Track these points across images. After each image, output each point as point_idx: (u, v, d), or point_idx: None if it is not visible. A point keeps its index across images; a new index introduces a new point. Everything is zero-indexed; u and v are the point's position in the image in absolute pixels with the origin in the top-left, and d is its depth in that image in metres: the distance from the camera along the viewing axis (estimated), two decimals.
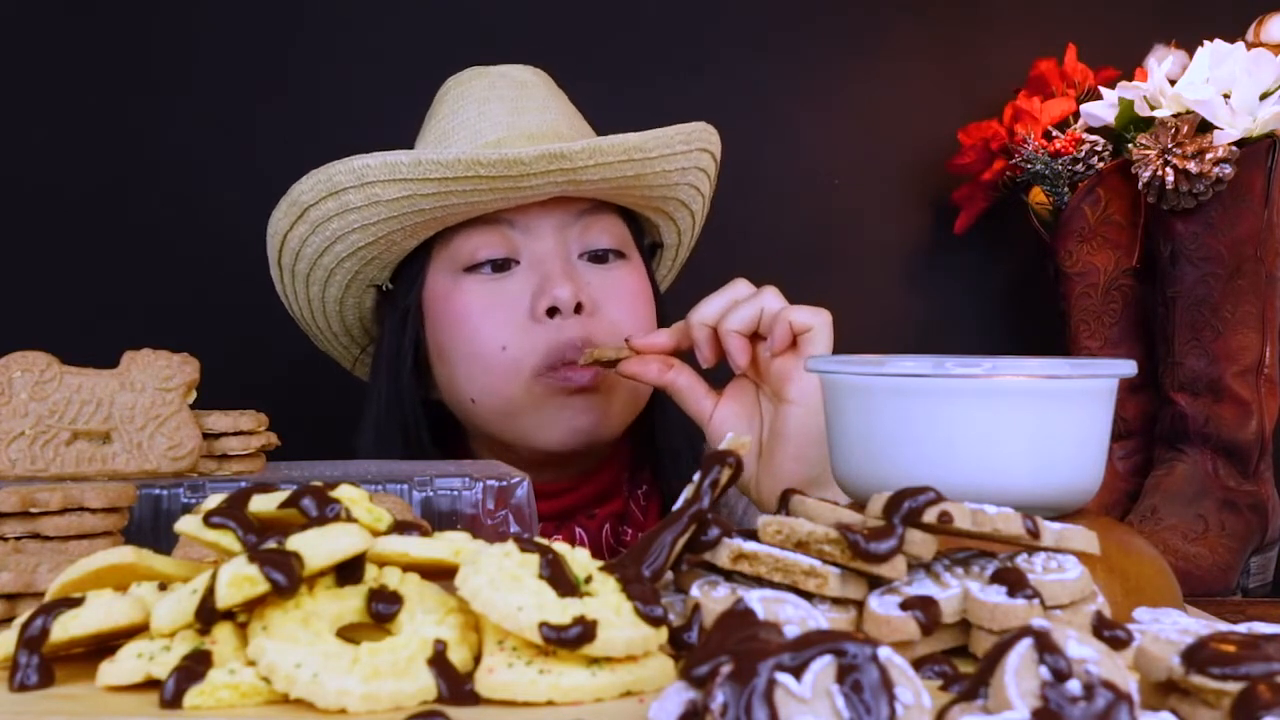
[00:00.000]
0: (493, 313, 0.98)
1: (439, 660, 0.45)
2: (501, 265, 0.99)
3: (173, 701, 0.43)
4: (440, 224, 0.99)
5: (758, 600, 0.48)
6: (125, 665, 0.45)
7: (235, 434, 0.72)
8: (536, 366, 0.97)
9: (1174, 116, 1.20)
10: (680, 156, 1.00)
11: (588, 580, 0.48)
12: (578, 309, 0.97)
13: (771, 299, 0.87)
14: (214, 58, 1.41)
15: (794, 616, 0.48)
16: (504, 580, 0.45)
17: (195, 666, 0.44)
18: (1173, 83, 1.22)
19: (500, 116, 1.01)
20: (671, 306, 1.13)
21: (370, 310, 1.08)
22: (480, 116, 1.01)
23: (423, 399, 1.05)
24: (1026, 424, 0.62)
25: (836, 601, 0.50)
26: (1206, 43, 1.21)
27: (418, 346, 1.04)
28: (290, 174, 1.09)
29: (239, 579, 0.44)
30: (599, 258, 1.01)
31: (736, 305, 0.87)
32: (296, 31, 1.43)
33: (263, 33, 1.42)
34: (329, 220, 0.97)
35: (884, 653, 0.38)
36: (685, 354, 0.91)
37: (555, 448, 0.99)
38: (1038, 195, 1.33)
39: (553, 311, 0.96)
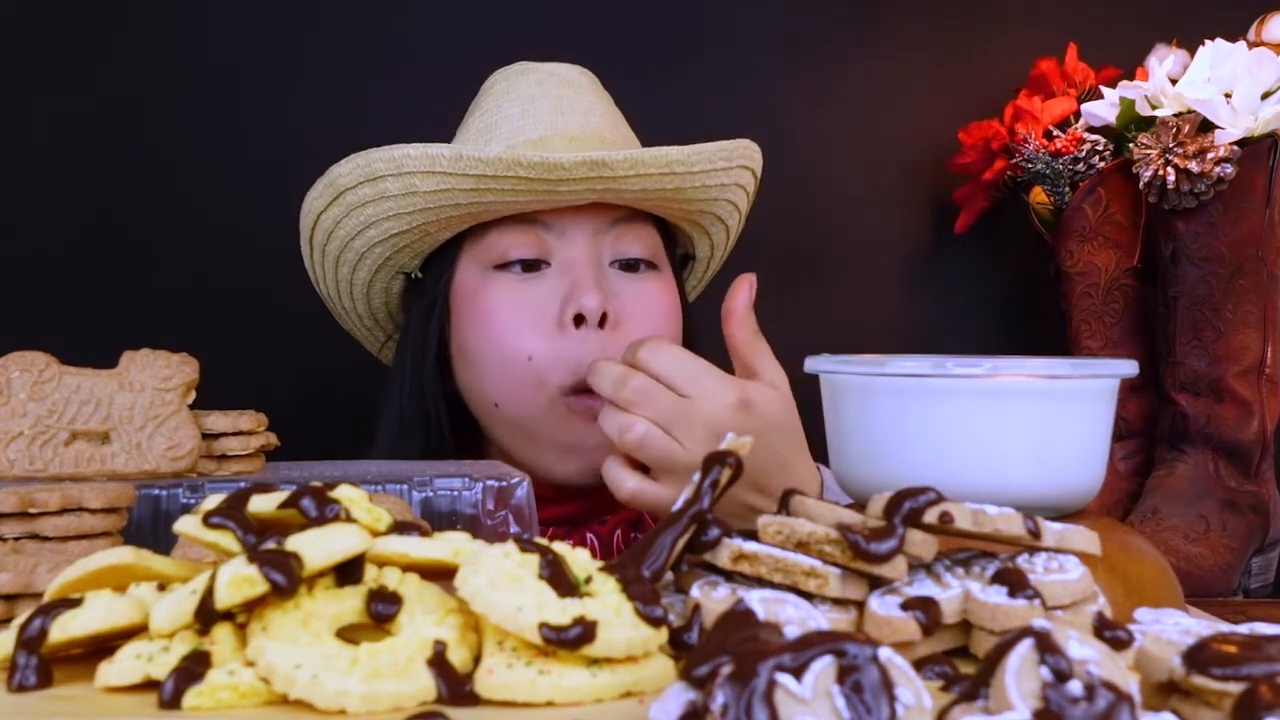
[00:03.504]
0: (520, 317, 0.98)
1: (439, 661, 0.45)
2: (531, 265, 0.99)
3: (171, 702, 0.43)
4: (475, 218, 0.99)
5: (758, 600, 0.48)
6: (124, 666, 0.45)
7: (234, 434, 0.72)
8: (562, 384, 0.96)
9: (1175, 116, 1.20)
10: (721, 173, 1.00)
11: (587, 581, 0.47)
12: (603, 321, 0.96)
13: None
14: (214, 58, 1.41)
15: (794, 617, 0.48)
16: (504, 581, 0.45)
17: (194, 667, 0.44)
18: (1174, 82, 1.22)
19: (544, 115, 1.01)
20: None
21: (397, 296, 1.09)
22: (524, 114, 1.01)
23: (444, 390, 1.05)
24: (1027, 424, 0.62)
25: (837, 602, 0.50)
26: (1208, 42, 1.21)
27: (442, 338, 1.04)
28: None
29: (238, 579, 0.44)
30: (630, 266, 1.01)
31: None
32: (300, 31, 1.43)
33: (265, 30, 1.42)
34: (364, 205, 0.97)
35: (884, 653, 0.38)
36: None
37: (566, 480, 0.99)
38: (1038, 195, 1.33)
39: (579, 320, 0.96)
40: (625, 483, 0.86)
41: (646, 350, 0.85)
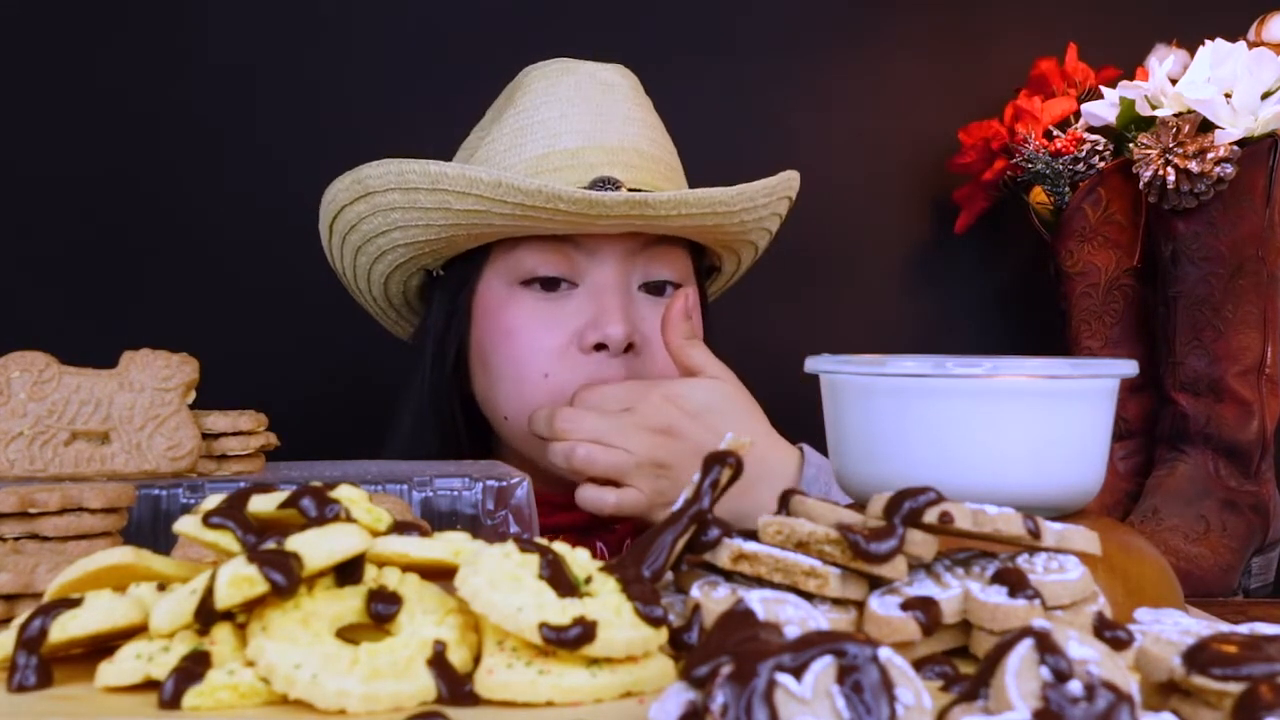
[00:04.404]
0: (541, 336, 0.98)
1: (438, 661, 0.45)
2: (558, 283, 0.99)
3: (171, 702, 0.43)
4: (506, 234, 0.98)
5: (758, 601, 0.48)
6: (124, 666, 0.45)
7: (234, 434, 0.72)
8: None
9: (1175, 116, 1.20)
10: (761, 207, 1.00)
11: (588, 581, 0.47)
12: (627, 348, 0.96)
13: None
14: (215, 59, 1.41)
15: (794, 617, 0.48)
16: (504, 580, 0.45)
17: (194, 667, 0.44)
18: (1174, 82, 1.22)
19: (581, 124, 1.00)
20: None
21: (415, 288, 1.08)
22: (561, 118, 1.00)
23: (462, 392, 1.05)
24: (1027, 424, 0.62)
25: (837, 602, 0.50)
26: (1208, 42, 1.21)
27: (461, 343, 1.03)
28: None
29: (238, 579, 0.44)
30: (656, 288, 1.01)
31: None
32: (303, 30, 1.43)
33: (266, 29, 1.42)
34: (394, 210, 0.96)
35: (884, 653, 0.38)
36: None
37: (566, 499, 0.98)
38: (1038, 195, 1.33)
39: (600, 347, 0.96)
40: (605, 498, 0.91)
41: (579, 392, 0.94)
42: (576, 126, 1.00)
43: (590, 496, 0.91)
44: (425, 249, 1.00)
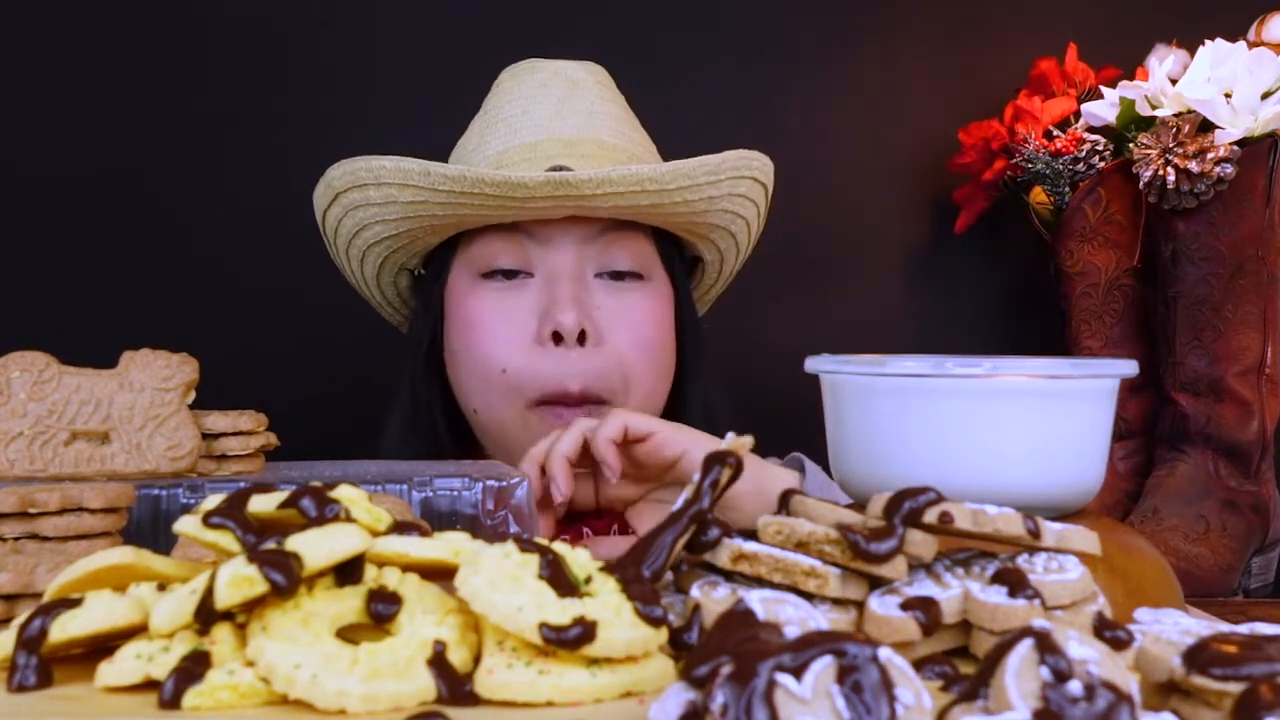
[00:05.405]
0: (499, 329, 0.98)
1: (438, 661, 0.45)
2: (514, 274, 0.99)
3: (171, 702, 0.43)
4: (459, 227, 0.99)
5: (758, 601, 0.48)
6: (124, 666, 0.45)
7: (234, 434, 0.72)
8: (531, 398, 0.97)
9: (1175, 116, 1.20)
10: (708, 186, 0.98)
11: (587, 581, 0.47)
12: (582, 337, 0.96)
13: (587, 424, 0.86)
14: (214, 57, 1.41)
15: (794, 617, 0.48)
16: (504, 581, 0.45)
17: (194, 667, 0.44)
18: (1174, 82, 1.22)
19: (541, 119, 1.01)
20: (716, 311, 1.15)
21: (406, 288, 1.10)
22: (523, 114, 1.01)
23: (441, 389, 1.05)
24: (1027, 424, 0.62)
25: (837, 602, 0.50)
26: (1208, 42, 1.21)
27: (436, 339, 1.05)
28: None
29: (238, 579, 0.44)
30: (617, 276, 1.00)
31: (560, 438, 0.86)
32: (303, 28, 1.42)
33: (266, 27, 1.42)
34: (357, 208, 0.99)
35: (884, 653, 0.38)
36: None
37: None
38: (1038, 195, 1.33)
39: (557, 338, 0.96)
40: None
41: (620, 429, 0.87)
42: (536, 121, 1.01)
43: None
44: (394, 245, 1.02)
